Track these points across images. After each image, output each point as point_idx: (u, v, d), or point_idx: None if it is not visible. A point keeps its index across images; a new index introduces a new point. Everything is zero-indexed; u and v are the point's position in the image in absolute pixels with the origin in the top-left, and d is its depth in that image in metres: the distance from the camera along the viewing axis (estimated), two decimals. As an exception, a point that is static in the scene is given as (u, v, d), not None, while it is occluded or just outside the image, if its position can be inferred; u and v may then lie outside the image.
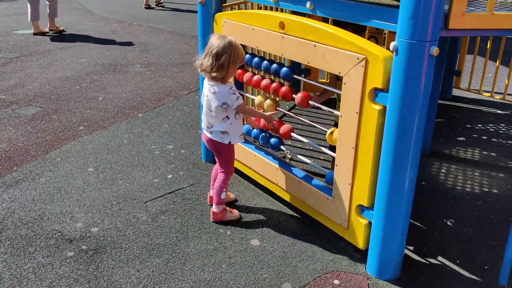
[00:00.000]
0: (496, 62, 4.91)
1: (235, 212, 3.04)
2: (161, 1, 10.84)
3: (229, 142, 2.83)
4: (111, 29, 8.39)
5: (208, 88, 2.74)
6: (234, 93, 2.71)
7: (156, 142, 4.09)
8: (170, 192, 3.32)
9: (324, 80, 5.17)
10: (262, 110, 3.19)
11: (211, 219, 2.99)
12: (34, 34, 7.76)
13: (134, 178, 3.49)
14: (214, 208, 2.97)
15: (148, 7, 10.43)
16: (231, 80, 3.02)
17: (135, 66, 6.25)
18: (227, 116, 2.75)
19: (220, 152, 2.89)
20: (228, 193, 3.24)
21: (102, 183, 3.42)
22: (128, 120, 4.55)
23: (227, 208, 3.04)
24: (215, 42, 2.65)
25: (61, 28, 8.02)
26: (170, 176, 3.54)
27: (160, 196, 3.27)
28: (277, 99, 3.15)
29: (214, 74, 2.64)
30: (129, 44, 7.38)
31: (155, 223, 2.97)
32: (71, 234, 2.86)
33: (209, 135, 2.84)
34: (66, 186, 3.38)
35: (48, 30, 7.86)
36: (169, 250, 2.73)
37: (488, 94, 4.99)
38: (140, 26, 8.68)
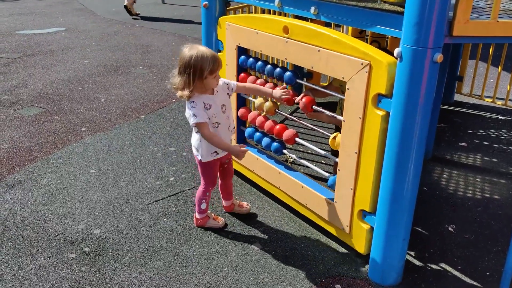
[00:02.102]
0: (498, 67, 4.92)
1: (220, 220, 3.00)
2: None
3: (200, 160, 2.74)
4: (113, 30, 8.41)
5: None
6: (192, 109, 2.49)
7: (158, 144, 4.10)
8: (172, 195, 3.32)
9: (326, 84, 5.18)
10: (261, 111, 3.18)
11: (194, 224, 2.99)
12: (124, 6, 9.44)
13: (136, 180, 3.50)
14: (196, 215, 2.97)
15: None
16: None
17: (137, 68, 6.26)
18: (198, 131, 2.64)
19: (199, 167, 2.83)
20: (243, 202, 3.16)
21: (104, 185, 3.43)
22: (130, 122, 4.56)
23: (212, 215, 3.02)
24: (180, 57, 2.47)
25: (138, 13, 9.66)
26: (172, 178, 3.54)
27: (162, 199, 3.27)
28: (278, 103, 3.15)
29: (178, 93, 2.48)
30: (132, 45, 7.39)
31: (157, 226, 2.98)
32: (73, 235, 2.87)
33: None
34: (68, 187, 3.39)
35: (138, 12, 9.63)
36: (171, 253, 2.74)
37: (490, 100, 5.00)
38: (143, 28, 8.69)
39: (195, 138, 2.72)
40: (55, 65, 6.23)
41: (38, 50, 6.92)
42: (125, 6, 9.44)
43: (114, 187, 3.41)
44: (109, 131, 4.34)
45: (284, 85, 2.93)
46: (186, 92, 2.46)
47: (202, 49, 2.46)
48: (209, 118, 2.56)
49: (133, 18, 9.44)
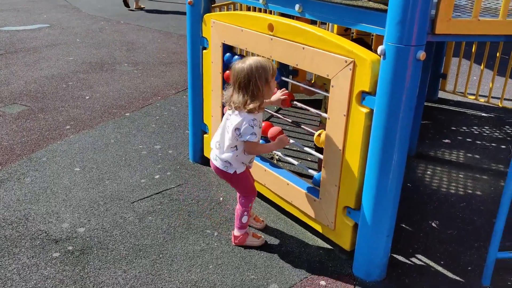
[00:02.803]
0: (480, 65, 4.98)
1: (260, 237, 2.83)
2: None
3: (235, 171, 2.60)
4: (98, 27, 8.33)
5: (233, 110, 2.52)
6: (253, 127, 2.44)
7: (143, 142, 4.08)
8: (157, 193, 3.31)
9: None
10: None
11: (232, 243, 2.80)
12: (135, 8, 9.94)
13: (121, 178, 3.48)
14: (235, 232, 2.79)
15: None
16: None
17: (122, 65, 6.21)
18: (236, 146, 2.53)
19: (232, 181, 2.70)
20: (260, 218, 3.04)
21: (88, 183, 3.40)
22: (115, 119, 4.52)
23: (251, 231, 2.86)
24: (237, 72, 2.42)
25: (143, 6, 10.10)
26: (157, 176, 3.52)
27: (147, 197, 3.26)
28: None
29: (250, 107, 2.40)
30: (117, 42, 7.33)
31: (142, 224, 2.96)
32: (57, 234, 2.84)
33: (214, 162, 2.63)
34: (52, 186, 3.35)
35: (143, 6, 10.08)
36: (156, 251, 2.73)
37: (473, 97, 5.06)
38: (128, 25, 8.62)
39: (230, 153, 2.55)
40: (38, 62, 6.15)
41: (21, 47, 6.82)
42: (124, 1, 9.89)
43: (98, 185, 3.38)
44: (93, 129, 4.30)
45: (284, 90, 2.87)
46: (258, 102, 2.42)
47: (254, 58, 2.46)
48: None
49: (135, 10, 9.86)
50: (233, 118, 2.49)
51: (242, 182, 2.69)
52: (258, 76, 2.39)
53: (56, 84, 5.40)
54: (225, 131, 2.55)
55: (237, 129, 2.46)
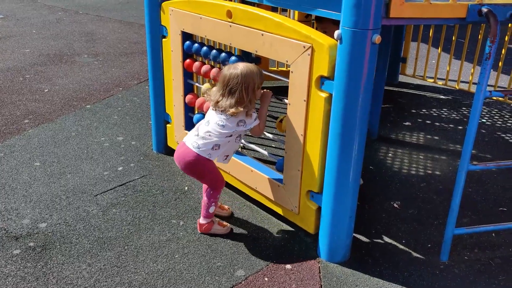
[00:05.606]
0: (438, 49, 5.11)
1: (225, 225, 2.84)
2: None
3: (211, 159, 2.60)
4: (55, 17, 8.08)
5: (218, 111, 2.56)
6: (255, 112, 2.58)
7: (106, 134, 4.01)
8: (121, 185, 3.26)
9: (275, 68, 5.22)
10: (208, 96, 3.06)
11: (198, 231, 2.81)
12: None
13: (83, 172, 3.41)
14: (201, 220, 2.79)
15: None
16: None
17: (82, 56, 6.06)
18: (231, 135, 2.56)
19: (204, 172, 2.64)
20: (225, 206, 3.05)
21: (49, 178, 3.32)
22: (76, 112, 4.42)
23: (216, 219, 2.87)
24: (229, 77, 2.46)
25: None
26: (120, 168, 3.48)
27: (111, 189, 3.21)
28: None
29: (232, 111, 2.44)
30: (76, 33, 7.14)
31: (106, 217, 2.92)
32: (17, 231, 2.77)
33: (193, 148, 2.55)
34: (11, 182, 3.26)
35: None
36: (121, 243, 2.70)
37: (432, 80, 5.20)
38: (87, 15, 8.41)
39: (223, 139, 2.55)
40: (-7, 55, 5.94)
41: (-26, 40, 6.56)
42: None
43: (60, 179, 3.31)
44: (53, 122, 4.19)
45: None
46: (241, 108, 2.46)
47: (245, 64, 2.51)
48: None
49: None
50: (222, 117, 2.52)
51: (213, 173, 2.69)
52: (248, 82, 2.45)
53: (12, 77, 5.23)
54: (220, 125, 2.52)
55: (240, 121, 2.53)
